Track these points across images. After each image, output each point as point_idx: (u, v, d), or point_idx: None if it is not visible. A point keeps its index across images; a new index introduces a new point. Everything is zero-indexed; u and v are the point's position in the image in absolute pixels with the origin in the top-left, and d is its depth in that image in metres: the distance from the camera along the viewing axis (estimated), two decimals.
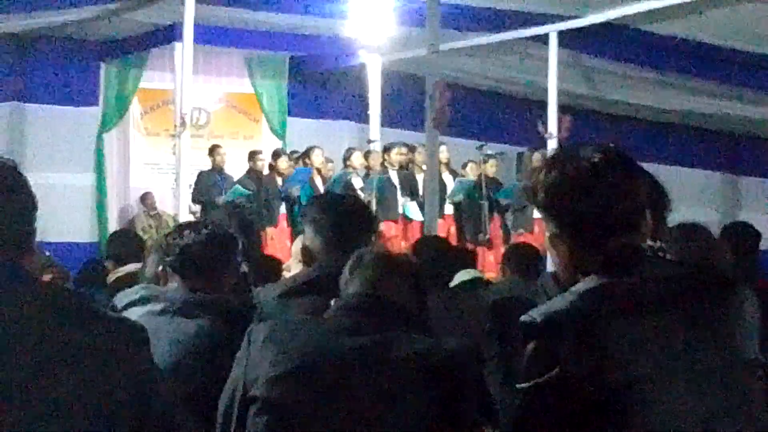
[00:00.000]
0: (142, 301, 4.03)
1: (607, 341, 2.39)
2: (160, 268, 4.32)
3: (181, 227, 4.45)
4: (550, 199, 2.57)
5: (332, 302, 3.60)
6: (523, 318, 2.47)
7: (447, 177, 15.69)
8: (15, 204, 2.49)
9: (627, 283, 2.46)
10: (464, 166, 16.34)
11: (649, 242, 2.69)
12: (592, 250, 2.53)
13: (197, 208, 15.33)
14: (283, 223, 15.26)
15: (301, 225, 4.70)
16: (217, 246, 4.24)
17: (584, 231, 2.54)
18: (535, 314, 2.46)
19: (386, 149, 16.04)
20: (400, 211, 15.61)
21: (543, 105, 16.01)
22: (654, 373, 2.38)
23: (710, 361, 2.44)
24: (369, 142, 16.73)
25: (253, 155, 15.87)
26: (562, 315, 2.43)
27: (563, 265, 2.62)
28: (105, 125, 18.15)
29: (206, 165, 15.73)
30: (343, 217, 4.40)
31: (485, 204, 15.63)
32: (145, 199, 17.33)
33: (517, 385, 2.46)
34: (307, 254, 4.43)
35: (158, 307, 3.99)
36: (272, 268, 7.27)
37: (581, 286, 2.50)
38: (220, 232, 4.34)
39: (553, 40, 15.30)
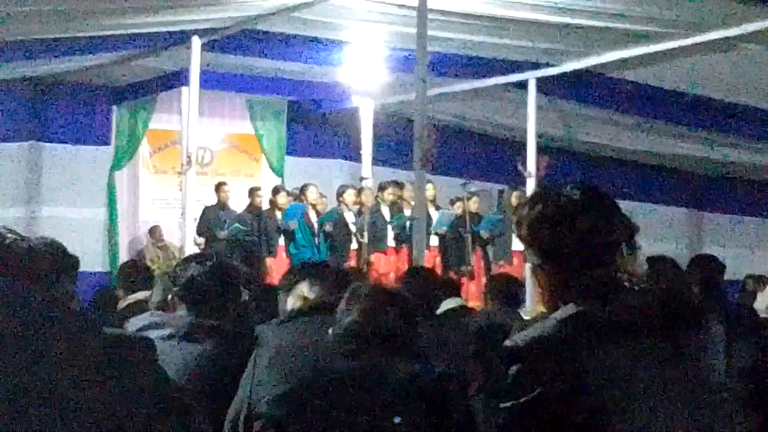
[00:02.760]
0: (152, 326, 4.04)
1: (584, 365, 2.38)
2: (170, 296, 4.33)
3: (188, 259, 4.49)
4: (533, 232, 2.58)
5: (330, 330, 3.63)
6: (506, 343, 2.47)
7: (433, 212, 15.69)
8: None
9: (603, 311, 2.46)
10: (452, 202, 16.34)
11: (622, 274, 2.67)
12: (571, 280, 2.54)
13: (201, 240, 15.30)
14: (282, 254, 15.24)
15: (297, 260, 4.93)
16: (220, 277, 4.27)
17: (564, 263, 2.54)
18: (518, 339, 2.46)
19: (381, 188, 16.04)
20: (390, 243, 15.62)
21: (522, 146, 16.06)
22: (628, 396, 2.37)
23: (681, 385, 2.43)
24: (361, 179, 16.72)
25: (253, 191, 15.91)
26: (543, 340, 2.43)
27: (544, 294, 2.62)
28: (116, 163, 18.15)
29: (210, 200, 15.74)
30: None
31: (468, 237, 15.64)
32: (153, 231, 17.33)
33: (501, 405, 2.45)
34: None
35: (166, 332, 4.01)
36: (271, 296, 7.23)
37: (560, 313, 2.50)
38: (223, 265, 4.38)
39: (532, 86, 15.39)
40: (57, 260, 3.85)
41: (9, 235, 2.63)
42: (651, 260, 4.41)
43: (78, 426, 2.38)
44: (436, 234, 15.65)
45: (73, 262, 4.05)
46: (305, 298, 4.52)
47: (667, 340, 2.46)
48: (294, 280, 4.65)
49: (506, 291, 7.69)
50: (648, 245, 3.57)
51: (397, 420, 3.35)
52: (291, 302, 4.60)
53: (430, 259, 14.93)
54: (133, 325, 4.13)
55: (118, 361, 2.51)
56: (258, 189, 16.04)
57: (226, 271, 4.39)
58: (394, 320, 3.61)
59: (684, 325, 2.52)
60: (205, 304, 4.22)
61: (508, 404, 2.43)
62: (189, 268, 4.29)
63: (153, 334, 3.98)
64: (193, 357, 3.99)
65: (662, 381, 2.41)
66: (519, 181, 16.18)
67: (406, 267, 11.83)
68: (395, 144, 16.78)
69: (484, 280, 12.42)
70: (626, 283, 2.56)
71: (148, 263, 12.77)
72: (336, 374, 3.40)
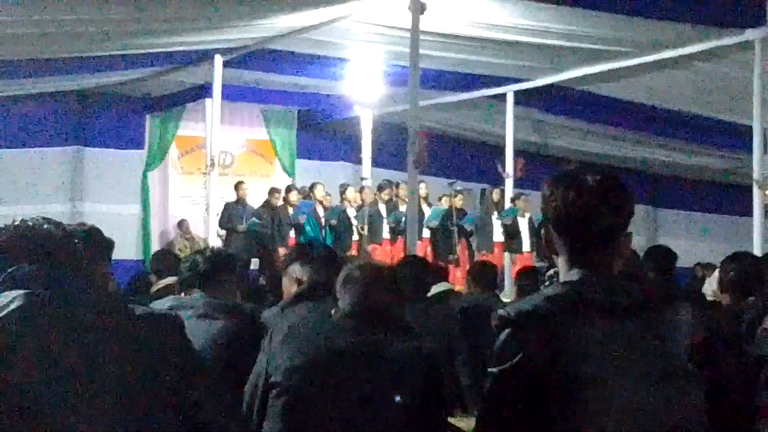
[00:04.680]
0: (172, 309, 4.06)
1: (564, 337, 2.35)
2: (176, 285, 4.44)
3: (193, 254, 4.63)
4: (555, 211, 2.50)
5: (333, 311, 3.65)
6: (500, 311, 2.43)
7: (425, 208, 15.67)
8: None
9: (588, 290, 2.44)
10: (439, 199, 16.30)
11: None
12: (580, 255, 2.50)
13: (223, 232, 15.30)
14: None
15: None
16: (217, 262, 4.40)
17: (578, 239, 2.49)
18: (510, 309, 2.42)
19: (379, 187, 16.02)
20: (385, 235, 15.60)
21: (501, 150, 16.10)
22: (601, 368, 2.34)
23: (649, 361, 2.40)
24: (362, 179, 16.74)
25: (272, 191, 15.76)
26: (531, 312, 2.40)
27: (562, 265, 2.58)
28: (149, 165, 18.15)
29: (231, 197, 15.71)
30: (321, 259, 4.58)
31: (455, 230, 15.60)
32: (181, 225, 17.33)
33: (489, 369, 2.44)
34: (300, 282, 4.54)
35: (188, 312, 4.03)
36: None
37: (550, 290, 2.48)
38: (220, 253, 4.57)
39: (510, 98, 15.43)
40: (92, 243, 3.86)
41: (45, 226, 2.63)
42: None
43: (114, 395, 2.38)
44: (428, 228, 15.63)
45: (108, 244, 4.04)
46: (298, 280, 4.52)
47: (639, 321, 2.43)
48: (287, 262, 4.67)
49: (486, 277, 7.68)
50: None
51: (397, 399, 3.35)
52: (286, 282, 4.61)
53: (422, 249, 14.91)
54: (156, 307, 4.15)
55: (147, 336, 2.51)
56: (278, 191, 15.83)
57: (221, 257, 4.56)
58: (386, 297, 3.63)
59: (659, 311, 2.49)
60: (212, 285, 4.33)
61: (496, 369, 2.41)
62: (196, 259, 4.46)
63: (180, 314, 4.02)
64: (210, 332, 4.01)
65: (632, 356, 2.39)
66: (499, 181, 16.23)
67: (401, 256, 11.81)
68: (391, 148, 16.75)
69: (468, 267, 12.39)
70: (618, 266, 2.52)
71: (177, 252, 12.75)
72: (340, 350, 3.42)
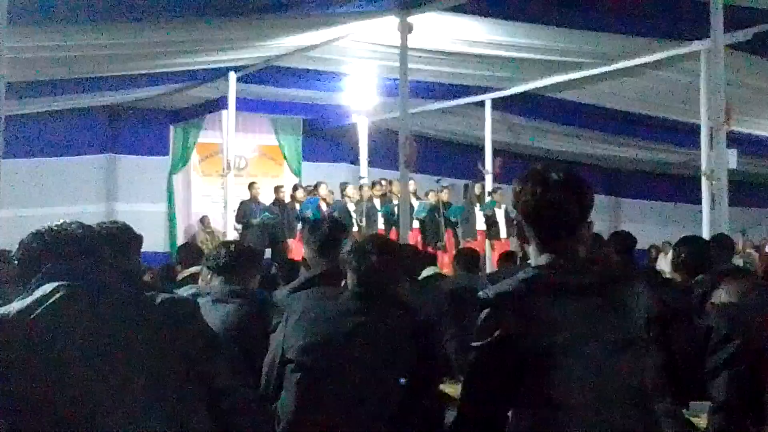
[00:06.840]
0: (194, 296, 4.08)
1: (535, 315, 2.37)
2: (204, 272, 4.42)
3: (219, 246, 4.62)
4: (525, 204, 2.51)
5: (342, 294, 3.63)
6: (480, 294, 2.45)
7: (415, 202, 15.63)
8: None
9: (556, 273, 2.44)
10: (426, 194, 16.29)
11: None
12: (548, 242, 2.51)
13: (239, 226, 15.28)
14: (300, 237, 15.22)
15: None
16: (241, 255, 4.37)
17: (545, 229, 2.50)
18: (489, 291, 2.44)
19: (374, 184, 16.01)
20: (380, 226, 15.59)
21: (481, 150, 16.08)
22: (570, 339, 2.36)
23: (611, 331, 2.42)
24: (360, 178, 16.75)
25: (277, 189, 15.73)
26: (507, 293, 2.42)
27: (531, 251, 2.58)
28: (173, 169, 18.14)
29: (245, 196, 15.69)
30: (323, 237, 4.39)
31: (442, 221, 15.60)
32: (203, 220, 17.31)
33: (472, 344, 2.44)
34: (306, 263, 4.49)
35: (206, 299, 4.04)
36: (293, 267, 7.24)
37: (522, 274, 2.48)
38: (244, 247, 4.57)
39: (488, 105, 15.43)
40: (123, 238, 3.88)
41: (71, 227, 2.63)
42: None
43: (142, 369, 2.39)
44: (417, 219, 15.62)
45: (138, 238, 4.06)
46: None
47: (601, 297, 2.44)
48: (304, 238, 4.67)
49: (470, 261, 7.67)
50: None
51: (402, 381, 3.35)
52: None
53: (413, 237, 14.91)
54: (181, 293, 4.16)
55: (166, 319, 2.51)
56: (281, 187, 15.86)
57: (245, 251, 4.54)
58: (389, 275, 3.58)
59: (618, 289, 2.50)
60: (233, 274, 4.32)
61: (478, 344, 2.42)
62: (220, 251, 4.40)
63: (199, 300, 4.03)
64: (226, 314, 4.03)
65: (596, 328, 2.40)
66: (479, 177, 16.24)
67: None
68: (385, 150, 16.74)
69: (454, 253, 12.38)
70: (581, 251, 2.52)
71: (199, 245, 12.72)
72: (347, 331, 3.42)
